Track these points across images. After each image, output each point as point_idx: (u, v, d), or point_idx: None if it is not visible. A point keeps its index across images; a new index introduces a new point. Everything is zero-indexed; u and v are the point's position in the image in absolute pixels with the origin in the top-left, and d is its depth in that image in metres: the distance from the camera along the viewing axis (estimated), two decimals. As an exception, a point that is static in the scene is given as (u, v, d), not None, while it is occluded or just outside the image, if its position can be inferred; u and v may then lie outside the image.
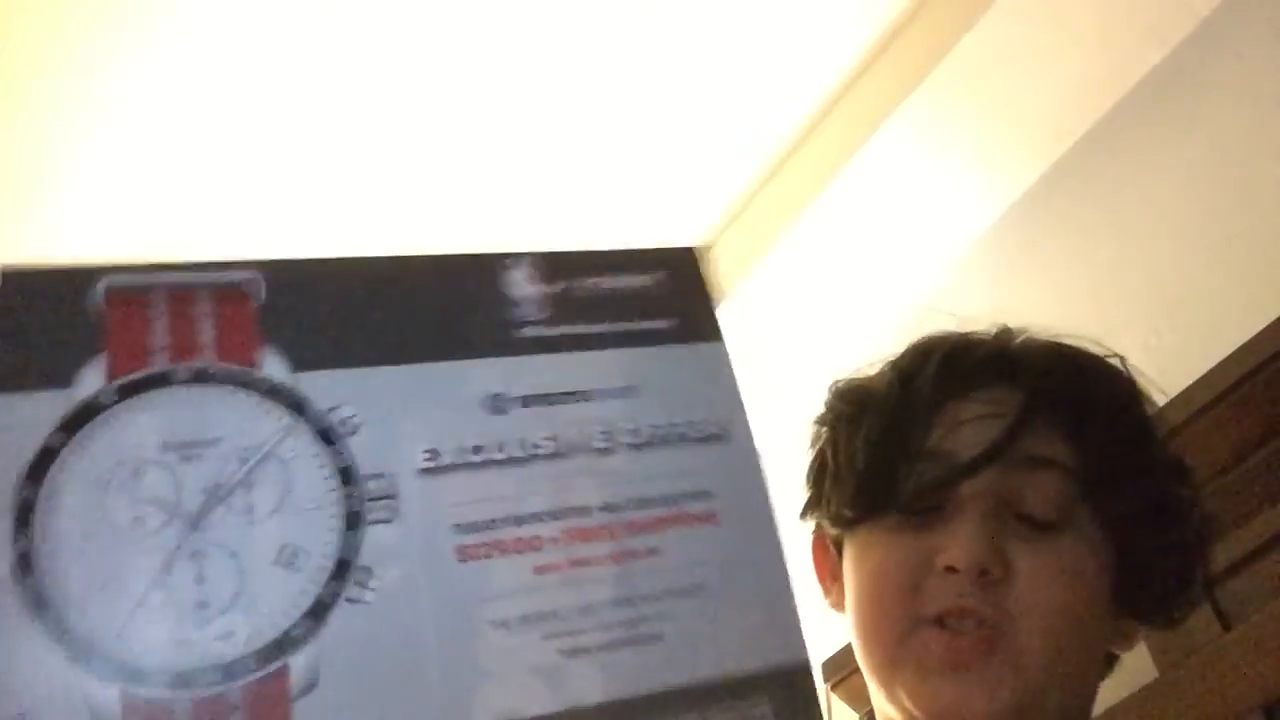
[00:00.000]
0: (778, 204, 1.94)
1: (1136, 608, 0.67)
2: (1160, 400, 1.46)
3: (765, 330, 1.95)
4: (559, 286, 0.44)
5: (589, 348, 0.43)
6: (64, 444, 0.35)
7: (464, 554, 0.38)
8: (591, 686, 0.38)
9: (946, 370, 0.67)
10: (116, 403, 0.36)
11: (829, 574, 0.72)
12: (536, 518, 0.40)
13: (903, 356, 0.70)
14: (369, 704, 0.35)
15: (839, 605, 0.71)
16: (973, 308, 1.96)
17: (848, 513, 0.67)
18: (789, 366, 1.90)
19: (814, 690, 0.43)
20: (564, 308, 0.44)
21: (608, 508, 0.41)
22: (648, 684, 0.39)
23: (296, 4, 1.67)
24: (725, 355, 0.47)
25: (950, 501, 0.63)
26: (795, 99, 1.88)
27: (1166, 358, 1.43)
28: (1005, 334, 0.71)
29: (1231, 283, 1.44)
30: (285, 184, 1.93)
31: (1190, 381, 1.37)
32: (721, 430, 0.45)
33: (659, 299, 0.46)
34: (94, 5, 1.64)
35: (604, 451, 0.42)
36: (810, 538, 0.75)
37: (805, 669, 0.43)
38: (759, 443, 0.46)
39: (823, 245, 1.89)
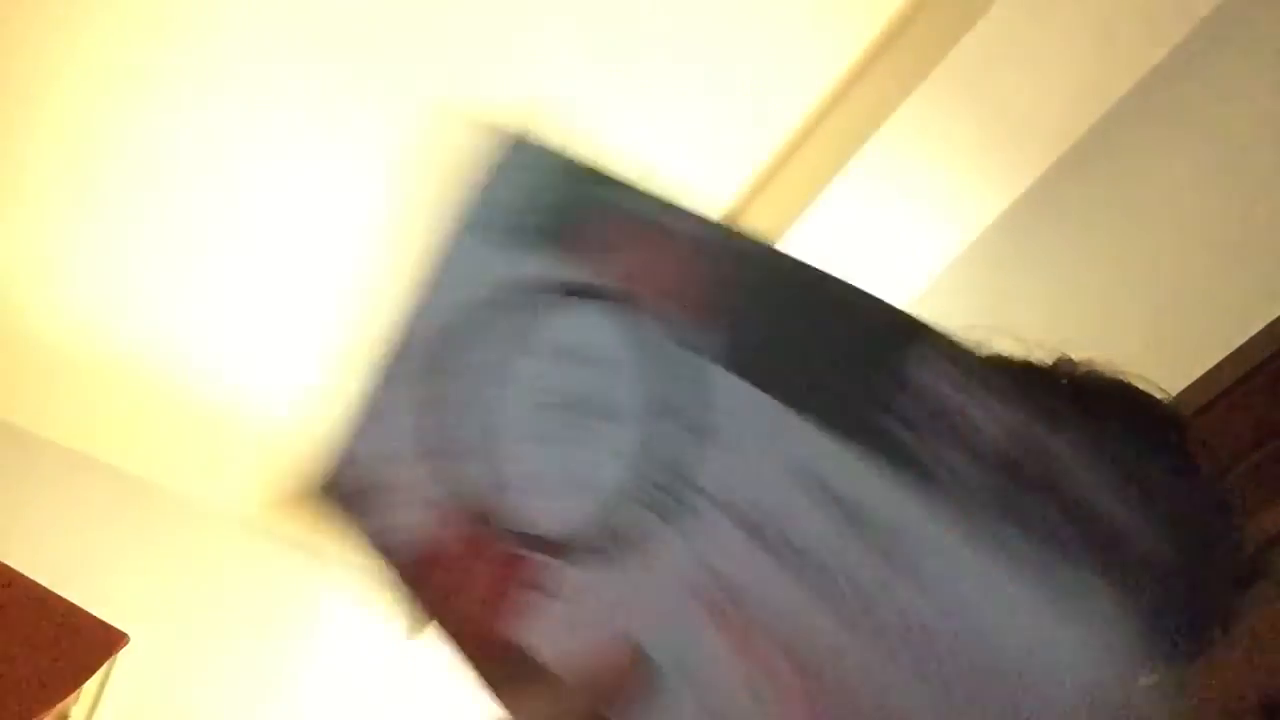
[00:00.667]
0: (771, 209, 1.94)
1: (1169, 642, 0.67)
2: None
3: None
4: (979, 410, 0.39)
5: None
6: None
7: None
8: None
9: None
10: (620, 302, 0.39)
11: None
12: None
13: None
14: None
15: None
16: (972, 308, 1.97)
17: None
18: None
19: None
20: (946, 430, 0.39)
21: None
22: None
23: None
24: None
25: None
26: (794, 100, 1.88)
27: (1166, 358, 1.43)
28: (1069, 364, 0.73)
29: (1231, 283, 1.44)
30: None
31: (1189, 382, 1.37)
32: None
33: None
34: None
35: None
36: None
37: None
38: None
39: (820, 249, 1.89)
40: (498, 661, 0.37)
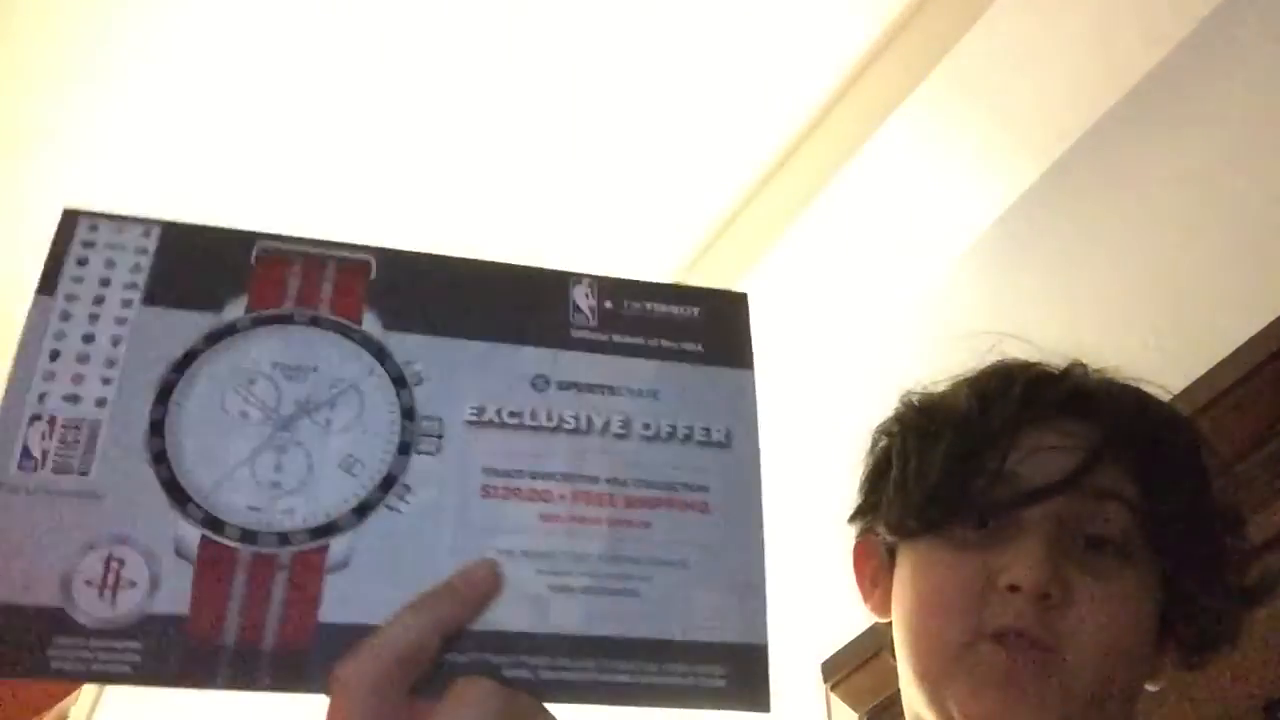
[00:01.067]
0: (773, 207, 1.94)
1: (1175, 648, 0.69)
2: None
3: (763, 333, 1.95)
4: (616, 303, 0.53)
5: (628, 355, 0.52)
6: (204, 350, 0.47)
7: (486, 492, 0.48)
8: (569, 619, 0.46)
9: (1029, 397, 0.70)
10: (248, 329, 0.48)
11: (870, 579, 0.74)
12: (551, 476, 0.49)
13: (981, 378, 0.73)
14: (385, 588, 0.45)
15: (880, 610, 0.73)
16: (972, 308, 1.98)
17: (912, 523, 0.69)
18: (788, 372, 1.90)
19: (767, 673, 0.47)
20: (616, 321, 0.53)
21: (613, 481, 0.49)
22: (617, 628, 0.46)
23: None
24: (751, 382, 0.53)
25: (1016, 524, 0.65)
26: (794, 99, 1.89)
27: (1166, 358, 1.43)
28: (1082, 369, 0.74)
29: (1231, 283, 1.44)
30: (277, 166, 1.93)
31: (1189, 381, 1.37)
32: (728, 439, 0.52)
33: (701, 327, 0.54)
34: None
35: (619, 436, 0.50)
36: (854, 542, 0.76)
37: (763, 652, 0.48)
38: (763, 458, 0.52)
39: (821, 248, 1.89)
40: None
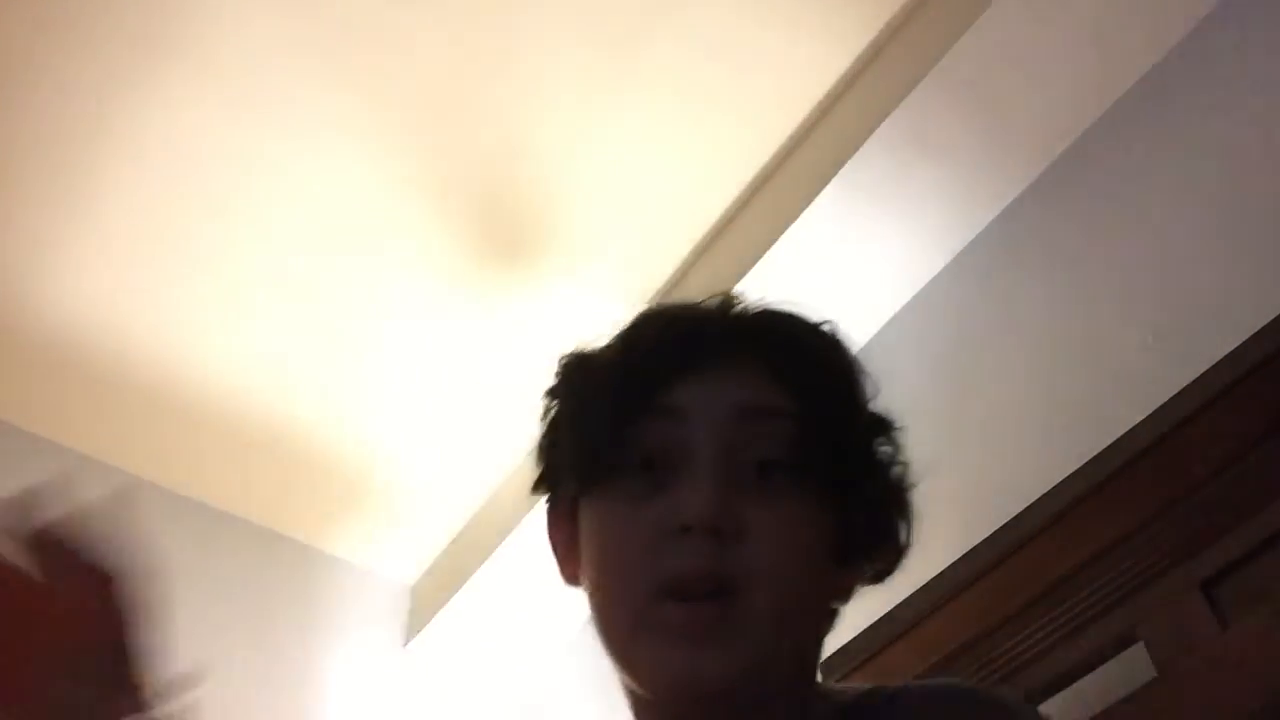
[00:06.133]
0: (771, 206, 1.94)
1: (855, 562, 0.68)
2: (1158, 400, 1.46)
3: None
4: None
5: None
6: None
7: None
8: None
9: (669, 332, 0.68)
10: None
11: (564, 549, 0.71)
12: None
13: (631, 325, 0.70)
14: None
15: (575, 579, 0.70)
16: (972, 308, 1.97)
17: (578, 482, 0.67)
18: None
19: None
20: None
21: None
22: None
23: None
24: None
25: (685, 464, 0.63)
26: (794, 100, 1.89)
27: (1165, 358, 1.43)
28: (732, 301, 0.72)
29: (1230, 282, 1.43)
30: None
31: (1188, 381, 1.37)
32: None
33: None
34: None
35: None
36: (546, 516, 0.73)
37: None
38: None
39: (820, 248, 1.89)
40: None
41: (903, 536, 0.69)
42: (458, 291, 2.10)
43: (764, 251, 1.88)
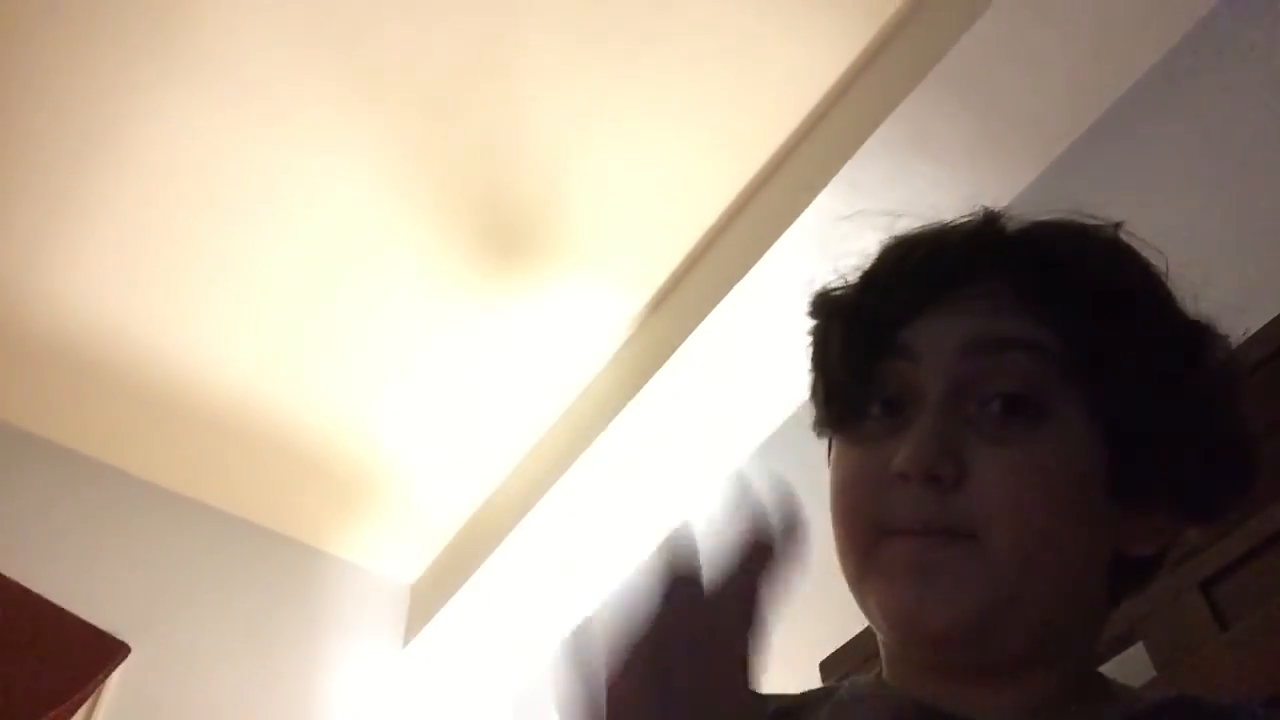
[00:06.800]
0: (771, 205, 1.94)
1: (1152, 499, 0.60)
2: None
3: (774, 318, 1.95)
4: None
5: None
6: None
7: None
8: None
9: (906, 263, 0.64)
10: None
11: None
12: None
13: (875, 259, 0.67)
14: None
15: None
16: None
17: (821, 424, 0.65)
18: (794, 366, 1.90)
19: None
20: None
21: None
22: None
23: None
24: None
25: (916, 404, 0.59)
26: (793, 97, 1.89)
27: (1165, 357, 1.43)
28: (984, 218, 0.67)
29: (1232, 281, 1.43)
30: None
31: (1189, 381, 1.37)
32: None
33: None
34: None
35: None
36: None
37: None
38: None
39: (815, 246, 1.90)
40: None
41: (1222, 468, 0.61)
42: (458, 293, 2.10)
43: (764, 251, 1.88)
